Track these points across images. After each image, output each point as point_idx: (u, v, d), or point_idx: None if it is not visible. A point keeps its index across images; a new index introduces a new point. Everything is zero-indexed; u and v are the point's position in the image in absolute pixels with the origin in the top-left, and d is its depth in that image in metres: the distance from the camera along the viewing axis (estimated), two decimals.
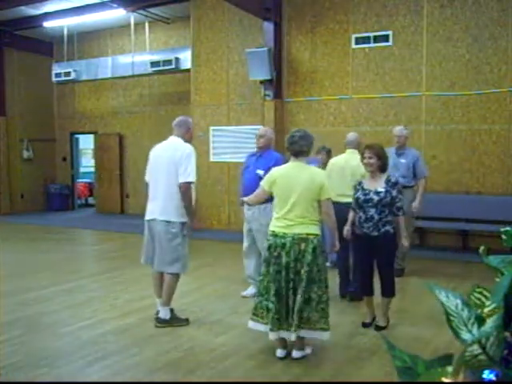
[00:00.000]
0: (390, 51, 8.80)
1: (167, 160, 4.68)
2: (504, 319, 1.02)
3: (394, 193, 4.54)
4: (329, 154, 6.81)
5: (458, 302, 1.06)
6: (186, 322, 4.86)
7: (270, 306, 3.96)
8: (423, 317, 5.01)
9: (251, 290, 5.62)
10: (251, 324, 4.16)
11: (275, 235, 4.02)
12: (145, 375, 3.77)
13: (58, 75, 12.57)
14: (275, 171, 4.24)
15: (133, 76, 12.10)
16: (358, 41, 9.03)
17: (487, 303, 1.09)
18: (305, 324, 3.95)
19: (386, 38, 8.81)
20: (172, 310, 4.83)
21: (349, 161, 5.65)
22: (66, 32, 12.53)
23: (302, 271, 3.91)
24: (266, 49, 9.25)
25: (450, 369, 0.98)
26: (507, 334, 1.07)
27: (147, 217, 4.84)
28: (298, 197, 3.97)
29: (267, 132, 5.83)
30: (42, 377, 3.71)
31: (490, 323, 1.01)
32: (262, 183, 4.32)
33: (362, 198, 4.58)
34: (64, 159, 14.56)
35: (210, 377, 3.74)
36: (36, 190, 14.03)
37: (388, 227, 4.55)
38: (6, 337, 4.50)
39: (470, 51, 8.23)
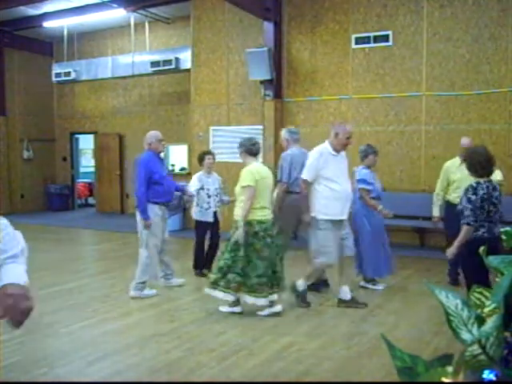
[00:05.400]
0: (390, 51, 8.80)
1: None
2: (504, 319, 1.02)
3: None
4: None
5: (458, 302, 1.06)
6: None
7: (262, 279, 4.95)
8: (423, 317, 5.01)
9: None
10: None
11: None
12: (145, 375, 3.77)
13: (57, 75, 12.57)
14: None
15: (133, 76, 12.09)
16: (358, 41, 9.03)
17: (487, 303, 1.09)
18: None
19: (386, 38, 8.81)
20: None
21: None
22: (65, 32, 12.52)
23: None
24: (265, 49, 9.25)
25: (450, 369, 0.98)
26: (507, 334, 1.07)
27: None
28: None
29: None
30: (42, 377, 3.71)
31: (489, 323, 1.01)
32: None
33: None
34: (64, 159, 14.56)
35: (210, 377, 3.74)
36: (36, 190, 14.03)
37: None
38: (6, 337, 4.49)
39: (470, 51, 8.23)
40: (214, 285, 4.99)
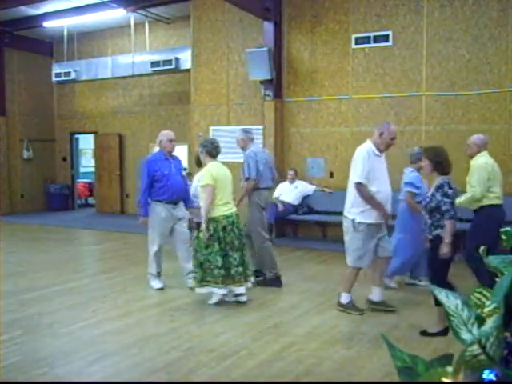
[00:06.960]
0: (390, 51, 8.80)
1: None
2: (504, 319, 1.02)
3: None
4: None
5: (458, 302, 1.06)
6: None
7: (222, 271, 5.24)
8: (423, 317, 5.00)
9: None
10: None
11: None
12: (145, 375, 3.77)
13: (57, 75, 12.57)
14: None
15: (133, 76, 12.09)
16: (358, 41, 9.03)
17: (487, 303, 1.09)
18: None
19: (386, 38, 8.80)
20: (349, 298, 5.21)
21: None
22: (65, 32, 12.53)
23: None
24: (265, 49, 9.24)
25: (450, 369, 0.98)
26: (507, 334, 1.07)
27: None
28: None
29: None
30: (42, 377, 3.71)
31: (489, 323, 1.01)
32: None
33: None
34: (64, 159, 14.56)
35: (210, 377, 3.74)
36: (36, 190, 14.03)
37: None
38: (6, 337, 4.50)
39: (470, 51, 8.23)
40: (203, 282, 5.31)
